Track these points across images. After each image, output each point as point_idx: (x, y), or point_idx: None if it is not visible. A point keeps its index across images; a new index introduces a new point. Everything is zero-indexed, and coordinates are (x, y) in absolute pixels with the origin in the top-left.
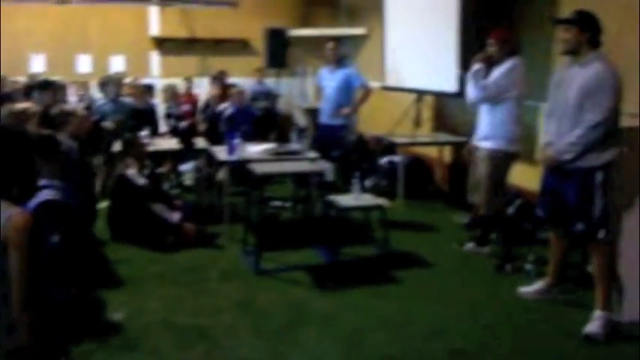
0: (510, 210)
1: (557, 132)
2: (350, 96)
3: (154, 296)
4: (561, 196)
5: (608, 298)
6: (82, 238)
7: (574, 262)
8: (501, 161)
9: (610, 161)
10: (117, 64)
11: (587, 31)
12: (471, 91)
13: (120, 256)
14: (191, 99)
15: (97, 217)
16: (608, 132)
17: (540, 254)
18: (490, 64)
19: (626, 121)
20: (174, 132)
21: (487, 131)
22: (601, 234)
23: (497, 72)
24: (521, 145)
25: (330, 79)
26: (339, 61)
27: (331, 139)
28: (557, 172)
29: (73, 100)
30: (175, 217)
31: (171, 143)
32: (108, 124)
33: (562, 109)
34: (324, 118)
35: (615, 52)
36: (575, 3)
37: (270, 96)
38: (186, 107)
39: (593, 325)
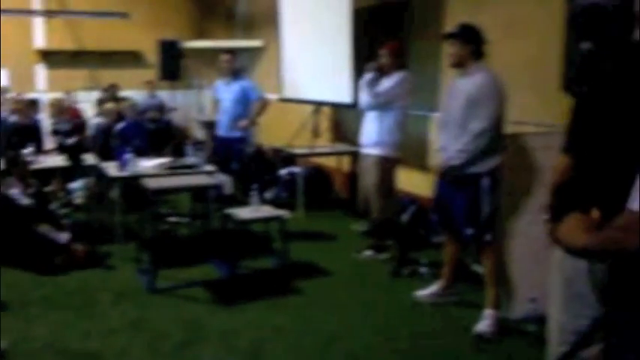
0: (405, 216)
1: (448, 140)
2: (247, 108)
3: (41, 321)
4: (452, 201)
5: (497, 297)
6: None
7: (463, 263)
8: (389, 166)
9: (495, 167)
10: None
11: (470, 44)
12: (364, 98)
13: (3, 280)
14: (75, 113)
15: None
16: (493, 139)
17: (434, 258)
18: (381, 74)
19: (509, 129)
20: (61, 148)
21: (375, 138)
22: (488, 237)
23: (389, 82)
24: (402, 152)
25: (226, 92)
26: (235, 74)
27: (229, 151)
28: (447, 179)
29: None
30: (63, 237)
31: (58, 160)
32: None
33: (451, 119)
34: (222, 131)
35: (496, 62)
36: (459, 18)
37: (164, 109)
38: (76, 122)
39: (484, 323)
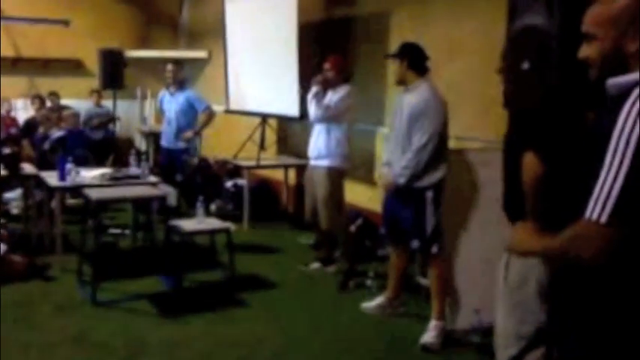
0: (352, 228)
1: (392, 155)
2: (192, 119)
3: None
4: (398, 214)
5: (443, 308)
6: None
7: (408, 275)
8: (338, 178)
9: (438, 181)
10: None
11: (409, 61)
12: (313, 111)
13: None
14: (12, 122)
15: None
16: (436, 152)
17: (380, 270)
18: (326, 87)
19: (451, 144)
20: None
21: (324, 150)
22: (434, 249)
23: (336, 95)
24: (349, 165)
25: (171, 102)
26: (180, 84)
27: (174, 162)
28: (394, 192)
29: None
30: (0, 248)
31: None
32: None
33: (397, 134)
34: (166, 142)
35: (440, 79)
36: (404, 34)
37: (112, 119)
38: (12, 131)
39: (429, 334)
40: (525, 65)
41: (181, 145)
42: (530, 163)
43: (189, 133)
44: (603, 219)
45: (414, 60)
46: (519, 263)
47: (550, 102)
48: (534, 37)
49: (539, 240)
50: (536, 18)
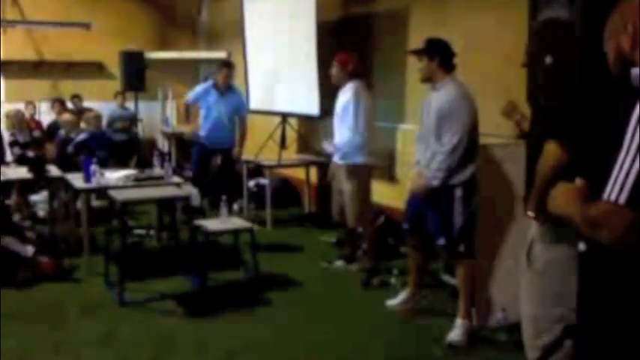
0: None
1: (424, 155)
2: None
3: (8, 335)
4: (425, 212)
5: (469, 307)
6: None
7: (433, 272)
8: (365, 175)
9: (469, 178)
10: None
11: (436, 58)
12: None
13: None
14: (37, 125)
15: None
16: (466, 151)
17: (404, 268)
18: (332, 83)
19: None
20: (20, 160)
21: (347, 147)
22: (461, 248)
23: (344, 95)
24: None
25: (219, 103)
26: (230, 87)
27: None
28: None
29: None
30: (28, 250)
31: (19, 172)
32: None
33: (425, 134)
34: (210, 141)
35: (460, 74)
36: (423, 31)
37: (135, 120)
38: (36, 133)
39: (455, 332)
40: (548, 59)
41: (225, 146)
42: (551, 150)
43: (238, 150)
44: (622, 199)
45: (443, 57)
46: (542, 248)
47: (574, 95)
48: (557, 30)
49: (577, 206)
50: (559, 11)
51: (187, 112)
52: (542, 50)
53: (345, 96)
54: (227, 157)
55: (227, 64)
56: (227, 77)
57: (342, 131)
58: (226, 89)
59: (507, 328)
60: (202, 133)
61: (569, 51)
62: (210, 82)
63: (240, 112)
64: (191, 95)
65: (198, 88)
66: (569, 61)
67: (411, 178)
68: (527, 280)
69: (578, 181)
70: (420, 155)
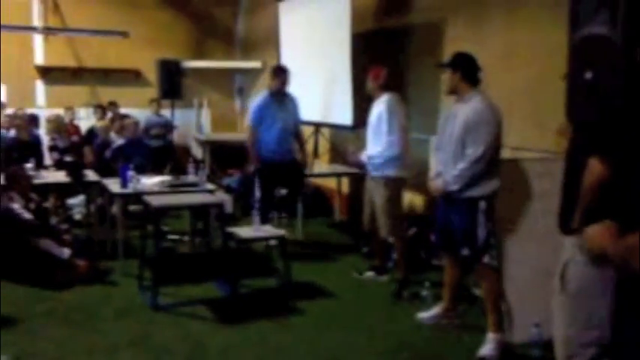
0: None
1: (444, 164)
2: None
3: (45, 336)
4: (451, 224)
5: (500, 320)
6: None
7: (465, 286)
8: (397, 187)
9: (492, 191)
10: None
11: (461, 71)
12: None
13: (4, 294)
14: (75, 130)
15: None
16: (490, 164)
17: (435, 280)
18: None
19: (508, 154)
20: (59, 165)
21: (380, 159)
22: (485, 259)
23: (377, 107)
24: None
25: (281, 111)
26: (284, 93)
27: (282, 174)
28: (446, 201)
29: None
30: (65, 252)
31: (59, 176)
32: None
33: (448, 143)
34: (274, 154)
35: (496, 88)
36: (459, 44)
37: (170, 127)
38: (75, 139)
39: (486, 347)
40: (588, 75)
41: (290, 157)
42: (595, 166)
43: (303, 157)
44: None
45: (467, 71)
46: (576, 270)
47: (616, 111)
48: (598, 45)
49: (614, 241)
50: (600, 27)
51: (253, 140)
52: (582, 66)
53: (379, 108)
54: (295, 169)
55: (283, 69)
56: (285, 83)
57: (376, 143)
58: (283, 96)
59: (542, 345)
60: (264, 149)
61: (609, 67)
62: (264, 94)
63: (299, 118)
64: (252, 119)
65: (254, 108)
66: (610, 77)
67: (430, 186)
68: (559, 301)
69: (608, 223)
70: (439, 164)
